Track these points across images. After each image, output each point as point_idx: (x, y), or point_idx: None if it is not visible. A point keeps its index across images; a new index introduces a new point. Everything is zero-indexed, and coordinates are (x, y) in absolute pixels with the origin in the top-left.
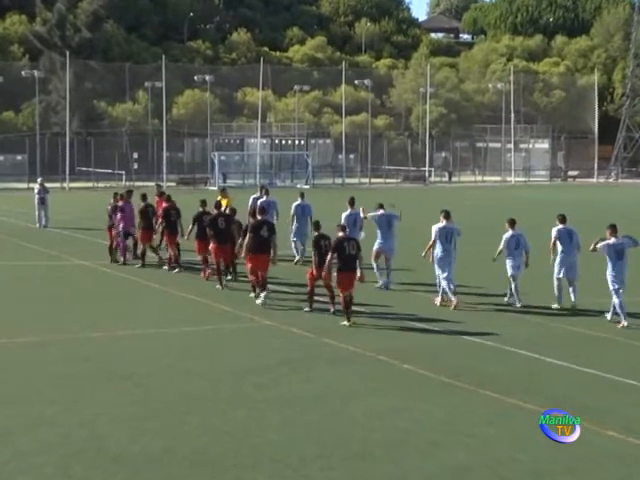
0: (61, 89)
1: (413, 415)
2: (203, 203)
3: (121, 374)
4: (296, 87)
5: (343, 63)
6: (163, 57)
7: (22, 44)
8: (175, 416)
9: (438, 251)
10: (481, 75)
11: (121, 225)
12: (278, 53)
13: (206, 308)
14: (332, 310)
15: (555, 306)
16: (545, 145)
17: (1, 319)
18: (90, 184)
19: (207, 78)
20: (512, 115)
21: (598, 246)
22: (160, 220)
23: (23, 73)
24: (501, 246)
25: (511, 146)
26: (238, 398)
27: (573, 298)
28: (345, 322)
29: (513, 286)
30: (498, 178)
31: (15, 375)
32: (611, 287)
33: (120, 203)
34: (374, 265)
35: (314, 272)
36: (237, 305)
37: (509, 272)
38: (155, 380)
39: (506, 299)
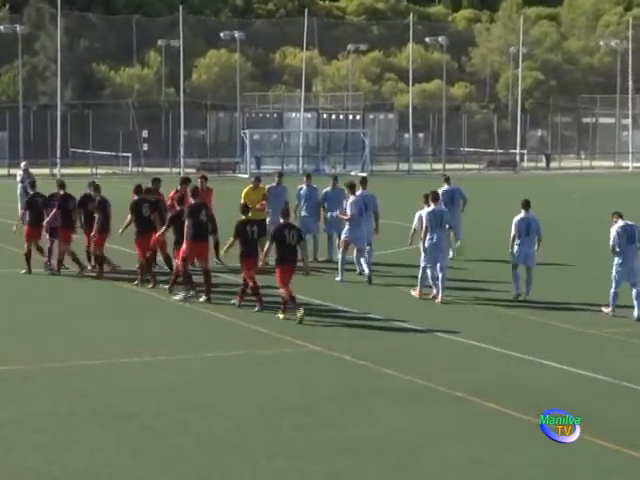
0: (51, 49)
1: (502, 470)
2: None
3: (124, 413)
4: (350, 46)
5: (411, 15)
6: (180, 8)
7: None
8: (193, 467)
9: (428, 238)
10: (590, 30)
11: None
12: (327, 2)
13: (234, 328)
14: (237, 303)
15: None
16: None
17: None
18: (87, 170)
19: (236, 35)
20: (630, 82)
21: (612, 237)
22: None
23: (2, 28)
24: (513, 231)
25: (628, 122)
26: (274, 444)
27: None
28: (280, 315)
29: (512, 274)
30: (611, 163)
31: None
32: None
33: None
34: (339, 258)
35: (244, 266)
36: (275, 325)
37: (512, 259)
38: (167, 421)
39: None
